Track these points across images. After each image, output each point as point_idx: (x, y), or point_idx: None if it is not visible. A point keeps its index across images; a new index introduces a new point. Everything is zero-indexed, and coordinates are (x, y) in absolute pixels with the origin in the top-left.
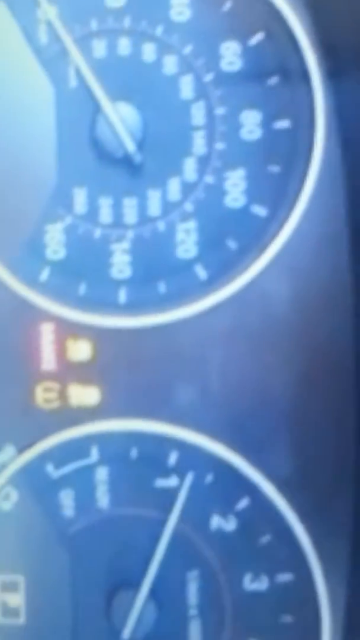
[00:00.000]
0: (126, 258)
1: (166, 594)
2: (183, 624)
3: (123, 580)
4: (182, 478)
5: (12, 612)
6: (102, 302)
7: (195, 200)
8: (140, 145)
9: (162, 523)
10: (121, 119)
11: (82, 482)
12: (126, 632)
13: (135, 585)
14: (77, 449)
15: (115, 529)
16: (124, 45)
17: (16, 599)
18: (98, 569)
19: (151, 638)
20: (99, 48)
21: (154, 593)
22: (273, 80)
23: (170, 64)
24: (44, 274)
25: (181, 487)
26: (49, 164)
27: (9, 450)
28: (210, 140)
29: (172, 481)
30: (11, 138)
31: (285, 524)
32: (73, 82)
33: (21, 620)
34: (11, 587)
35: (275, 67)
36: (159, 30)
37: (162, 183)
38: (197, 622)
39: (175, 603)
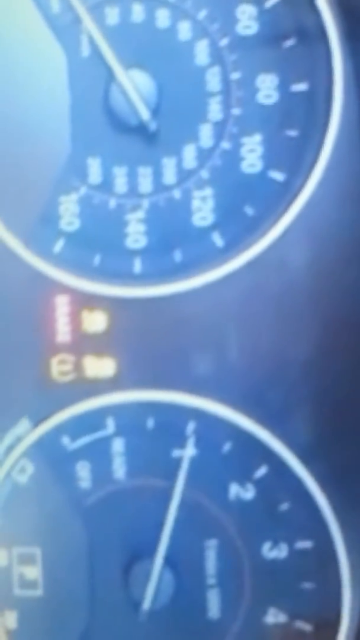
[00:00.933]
0: (141, 227)
1: (184, 564)
2: (202, 593)
3: (140, 551)
4: (199, 448)
5: (29, 584)
6: (117, 273)
7: (212, 167)
8: (155, 112)
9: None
10: (135, 87)
11: (98, 454)
12: (145, 602)
13: (152, 556)
14: (93, 420)
15: (131, 500)
16: (137, 12)
17: (33, 571)
18: (115, 541)
19: (170, 608)
20: (112, 15)
21: (171, 563)
22: (290, 43)
23: (184, 30)
24: (58, 246)
25: (184, 455)
26: (62, 134)
27: (25, 423)
28: (226, 105)
29: (189, 451)
30: (24, 108)
31: (304, 491)
32: (86, 51)
33: (39, 592)
34: (28, 560)
35: (291, 30)
36: None
37: (177, 150)
38: (216, 591)
39: (193, 572)
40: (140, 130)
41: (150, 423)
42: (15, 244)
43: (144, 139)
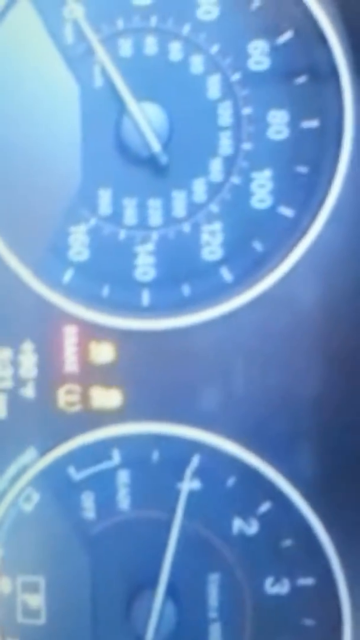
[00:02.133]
0: (150, 260)
1: (187, 597)
2: (204, 627)
3: (143, 583)
4: (203, 481)
5: (32, 613)
6: (126, 305)
7: (221, 201)
8: (166, 145)
9: (184, 526)
10: (147, 119)
11: (104, 484)
12: (147, 635)
13: (155, 588)
14: (98, 451)
15: (136, 532)
16: (151, 45)
17: (36, 600)
18: (118, 572)
19: None
20: (125, 47)
21: (174, 596)
22: (301, 80)
23: (197, 63)
24: (67, 276)
25: (182, 488)
26: (74, 165)
27: (31, 452)
28: (237, 140)
29: (194, 484)
30: (35, 138)
31: (307, 528)
32: (99, 82)
33: (41, 621)
34: (32, 588)
35: (303, 66)
36: (186, 29)
37: (187, 184)
38: (217, 625)
39: (195, 606)
40: (151, 163)
41: (155, 455)
42: (24, 273)
43: (154, 171)
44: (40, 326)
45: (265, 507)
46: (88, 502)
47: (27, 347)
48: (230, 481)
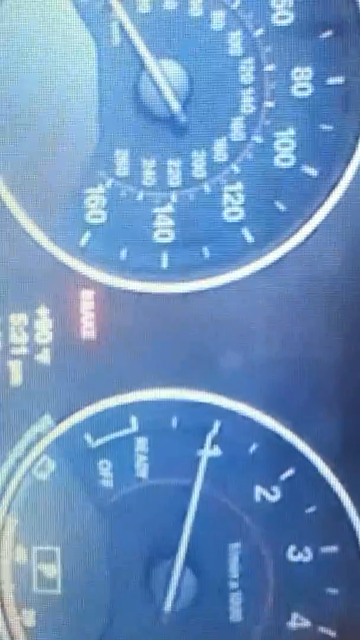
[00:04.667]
0: (169, 222)
1: (207, 566)
2: (224, 596)
3: (162, 552)
4: (224, 448)
5: (48, 582)
6: (144, 268)
7: (243, 161)
8: (186, 104)
9: (203, 494)
10: (166, 77)
11: (121, 452)
12: (166, 604)
13: (174, 557)
14: (116, 418)
15: (154, 501)
16: (170, 0)
17: (53, 570)
18: (136, 541)
19: (191, 610)
20: (144, 3)
21: (194, 565)
22: (326, 35)
23: (217, 19)
24: (84, 239)
25: (202, 455)
26: (91, 125)
27: (47, 419)
28: (259, 98)
29: (214, 451)
30: (52, 98)
31: (331, 495)
32: (116, 39)
33: (58, 591)
34: (47, 558)
35: (328, 21)
36: None
37: (207, 144)
38: (238, 594)
39: (216, 575)
40: (170, 122)
41: (174, 422)
42: (40, 237)
43: (173, 131)
44: (56, 291)
45: (288, 473)
46: (105, 471)
47: (43, 312)
48: (252, 448)
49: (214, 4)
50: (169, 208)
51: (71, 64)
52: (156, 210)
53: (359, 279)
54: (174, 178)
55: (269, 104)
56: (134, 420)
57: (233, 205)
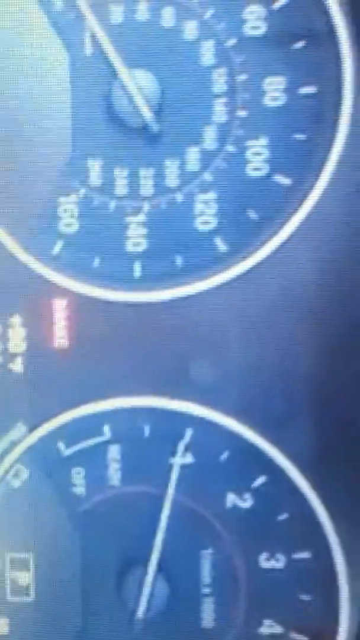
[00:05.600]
0: (142, 231)
1: (179, 572)
2: (196, 603)
3: (135, 559)
4: (196, 455)
5: (21, 590)
6: (117, 276)
7: (215, 170)
8: (158, 113)
9: (176, 501)
10: (138, 87)
11: (94, 460)
12: (139, 610)
13: (146, 563)
14: (89, 427)
15: (127, 508)
16: (142, 10)
17: (26, 577)
18: (109, 548)
19: (164, 616)
20: (116, 13)
21: (166, 571)
22: (299, 45)
23: (190, 29)
24: (57, 248)
25: (174, 462)
26: (63, 134)
27: (20, 428)
28: (231, 107)
29: (186, 459)
30: (24, 107)
31: (303, 502)
32: (89, 49)
33: (31, 598)
34: (21, 565)
35: (301, 31)
36: None
37: (180, 153)
38: (210, 600)
39: (188, 582)
40: (143, 132)
41: (147, 430)
42: (13, 246)
43: (146, 140)
44: (30, 299)
45: (259, 481)
46: (78, 478)
47: (16, 321)
48: (224, 455)
49: (186, 15)
50: (141, 217)
51: (44, 74)
52: (129, 219)
53: (331, 288)
54: (147, 187)
55: (242, 113)
56: (106, 428)
57: (206, 214)
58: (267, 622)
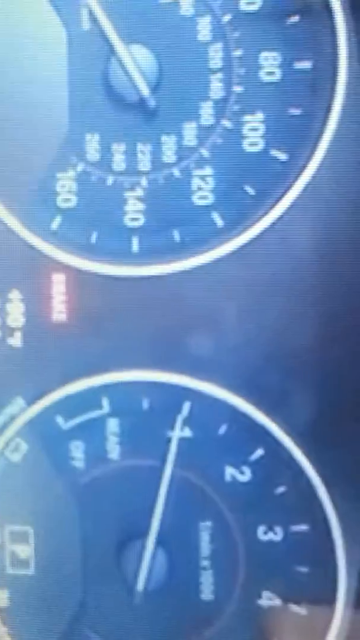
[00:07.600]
0: (139, 206)
1: (178, 545)
2: (195, 575)
3: (134, 532)
4: (194, 429)
5: (21, 563)
6: (114, 251)
7: (212, 145)
8: (155, 89)
9: (174, 475)
10: (135, 62)
11: (93, 433)
12: (138, 583)
13: (145, 536)
14: (87, 400)
15: (126, 481)
16: None
17: (25, 550)
18: (108, 521)
19: (163, 589)
20: None
21: (165, 544)
22: (293, 20)
23: (186, 5)
24: (55, 223)
25: (172, 436)
26: (61, 110)
27: (18, 402)
28: (228, 83)
29: (185, 432)
30: (22, 83)
31: (301, 474)
32: (86, 25)
33: (30, 571)
34: (20, 538)
35: (295, 6)
36: None
37: (177, 128)
38: (209, 573)
39: (187, 554)
40: (140, 107)
41: (145, 403)
42: (11, 221)
43: (143, 115)
44: (28, 274)
45: (257, 454)
46: (77, 452)
47: (15, 295)
48: (222, 428)
49: None
50: (139, 192)
51: (41, 49)
52: (126, 194)
53: (327, 262)
54: (144, 162)
55: (238, 88)
56: (105, 401)
57: (203, 189)
58: (265, 594)
